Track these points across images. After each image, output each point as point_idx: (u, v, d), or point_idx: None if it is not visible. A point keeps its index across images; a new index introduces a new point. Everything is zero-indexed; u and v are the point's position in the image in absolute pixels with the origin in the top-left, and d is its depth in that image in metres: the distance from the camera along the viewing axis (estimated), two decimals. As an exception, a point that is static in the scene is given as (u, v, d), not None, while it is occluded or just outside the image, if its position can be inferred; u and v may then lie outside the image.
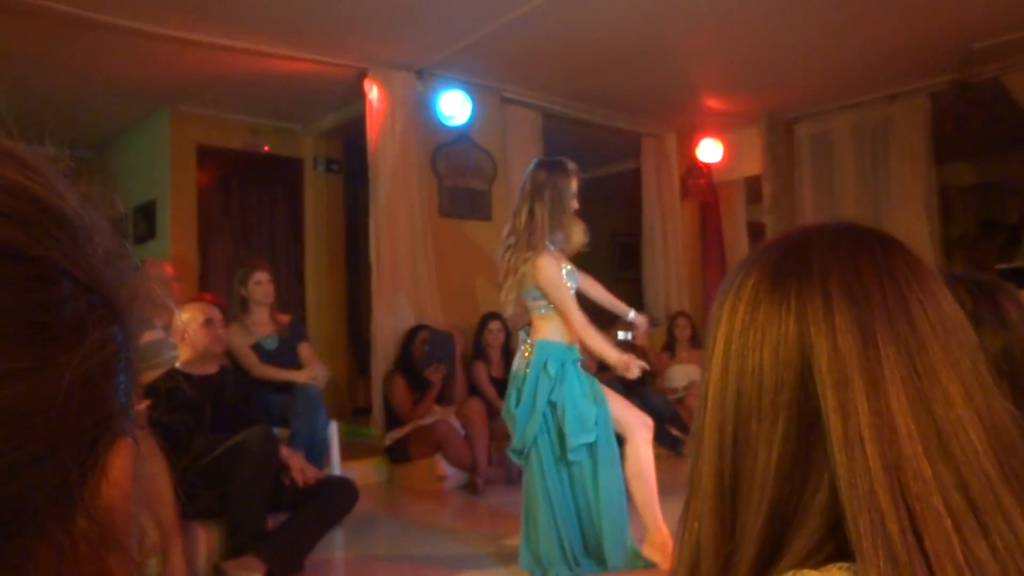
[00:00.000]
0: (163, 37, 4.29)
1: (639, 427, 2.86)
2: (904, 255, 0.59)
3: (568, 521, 2.81)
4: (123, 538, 0.29)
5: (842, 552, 0.52)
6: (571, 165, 2.88)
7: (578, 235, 2.88)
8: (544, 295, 2.79)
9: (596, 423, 2.79)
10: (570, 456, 2.76)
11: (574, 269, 2.88)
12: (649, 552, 2.80)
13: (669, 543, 2.75)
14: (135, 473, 0.30)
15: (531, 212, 2.80)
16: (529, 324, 2.93)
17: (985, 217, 7.88)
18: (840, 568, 0.51)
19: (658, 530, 2.79)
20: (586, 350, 2.93)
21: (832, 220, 0.63)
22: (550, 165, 2.88)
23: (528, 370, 2.82)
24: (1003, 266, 5.73)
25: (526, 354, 2.87)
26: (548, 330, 2.84)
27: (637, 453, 2.83)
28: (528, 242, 2.78)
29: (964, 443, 0.52)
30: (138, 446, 0.31)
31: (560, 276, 2.78)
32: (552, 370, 2.78)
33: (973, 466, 0.51)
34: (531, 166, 2.93)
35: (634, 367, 2.78)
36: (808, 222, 0.65)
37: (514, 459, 2.93)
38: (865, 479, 0.50)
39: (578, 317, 2.78)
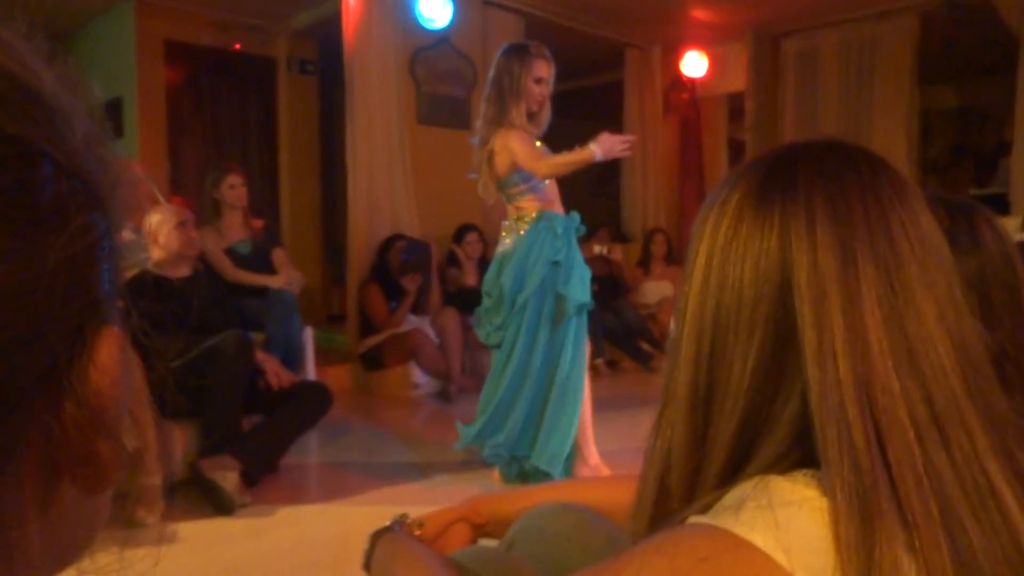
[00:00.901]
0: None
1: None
2: (889, 174, 0.59)
3: (531, 393, 2.77)
4: (112, 424, 0.29)
5: (807, 460, 0.54)
6: (535, 49, 2.80)
7: (541, 118, 2.83)
8: (519, 170, 2.74)
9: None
10: (572, 310, 2.71)
11: (545, 148, 2.83)
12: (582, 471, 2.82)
13: (599, 468, 2.82)
14: (123, 360, 0.30)
15: (489, 99, 2.83)
16: (509, 216, 2.90)
17: (961, 142, 7.89)
18: (805, 474, 0.54)
19: (591, 453, 2.85)
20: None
21: (820, 137, 0.62)
22: (508, 50, 2.85)
23: (524, 235, 2.77)
24: (978, 192, 5.78)
25: (510, 232, 2.84)
26: (535, 208, 2.81)
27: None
28: (493, 127, 2.79)
29: (933, 360, 0.53)
30: (124, 335, 0.30)
31: (529, 143, 2.74)
32: (560, 230, 2.75)
33: (940, 382, 0.53)
34: (498, 54, 2.89)
35: (620, 141, 2.64)
36: (790, 140, 0.64)
37: (478, 330, 2.96)
38: (836, 391, 0.52)
39: (542, 162, 2.69)
